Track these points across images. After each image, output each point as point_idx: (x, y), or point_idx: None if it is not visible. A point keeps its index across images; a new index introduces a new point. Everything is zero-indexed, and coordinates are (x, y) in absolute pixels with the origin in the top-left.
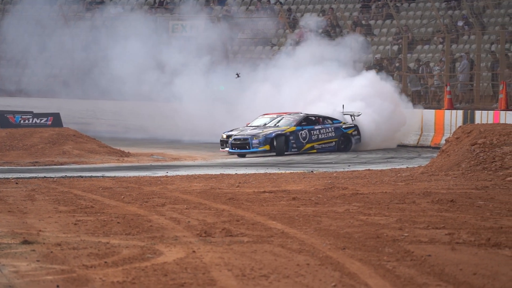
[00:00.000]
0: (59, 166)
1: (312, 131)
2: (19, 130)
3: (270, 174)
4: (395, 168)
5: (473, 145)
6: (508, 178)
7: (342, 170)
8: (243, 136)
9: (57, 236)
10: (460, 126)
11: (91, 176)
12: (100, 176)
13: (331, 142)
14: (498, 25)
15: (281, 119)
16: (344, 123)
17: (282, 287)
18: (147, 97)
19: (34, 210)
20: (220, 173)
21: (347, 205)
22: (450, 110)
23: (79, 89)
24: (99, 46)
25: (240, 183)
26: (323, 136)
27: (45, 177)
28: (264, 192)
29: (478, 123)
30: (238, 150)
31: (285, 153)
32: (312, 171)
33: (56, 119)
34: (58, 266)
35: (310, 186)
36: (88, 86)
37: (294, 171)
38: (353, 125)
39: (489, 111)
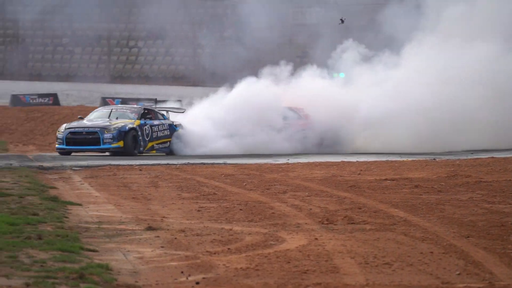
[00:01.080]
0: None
1: (153, 127)
2: None
3: (391, 161)
4: None
5: None
6: None
7: (465, 158)
8: (89, 128)
9: (180, 222)
10: None
11: (213, 163)
12: (222, 163)
13: (166, 142)
14: None
15: (113, 110)
16: (173, 121)
17: (405, 275)
18: None
19: (157, 196)
20: (341, 161)
21: (470, 193)
22: None
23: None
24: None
25: (361, 170)
26: (161, 134)
27: (168, 164)
28: (386, 179)
29: None
30: (81, 147)
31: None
32: (434, 159)
33: None
34: (182, 252)
35: (433, 174)
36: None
37: (416, 159)
38: (180, 123)
39: None
